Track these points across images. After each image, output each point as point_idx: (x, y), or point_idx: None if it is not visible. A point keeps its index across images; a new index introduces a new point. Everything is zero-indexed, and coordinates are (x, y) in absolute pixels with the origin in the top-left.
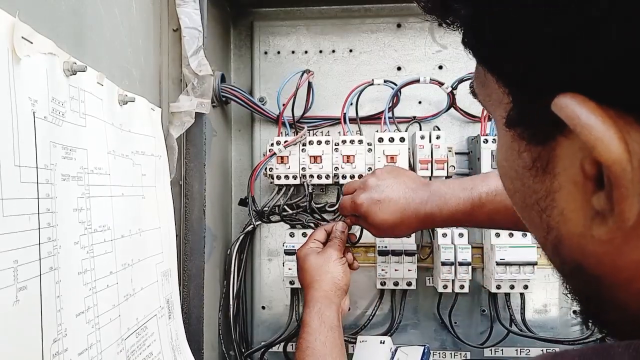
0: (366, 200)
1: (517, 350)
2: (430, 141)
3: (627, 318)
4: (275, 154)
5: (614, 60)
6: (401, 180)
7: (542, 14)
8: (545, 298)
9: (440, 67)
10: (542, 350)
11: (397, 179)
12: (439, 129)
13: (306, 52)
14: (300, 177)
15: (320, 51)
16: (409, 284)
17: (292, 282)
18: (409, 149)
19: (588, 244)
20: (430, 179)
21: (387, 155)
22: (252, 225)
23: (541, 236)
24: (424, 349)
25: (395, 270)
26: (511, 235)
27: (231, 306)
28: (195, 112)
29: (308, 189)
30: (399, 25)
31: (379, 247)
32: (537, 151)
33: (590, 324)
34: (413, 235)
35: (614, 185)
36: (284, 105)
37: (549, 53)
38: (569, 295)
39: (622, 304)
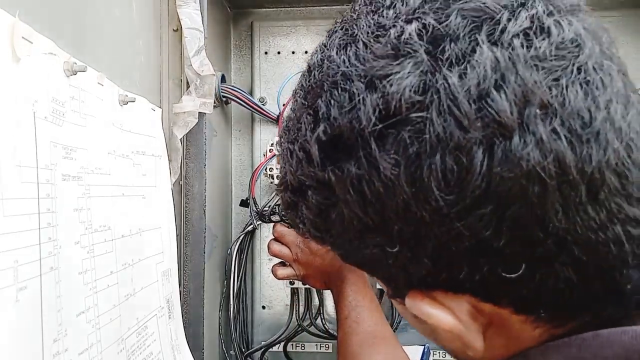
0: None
1: None
2: None
3: None
4: (275, 154)
5: (424, 271)
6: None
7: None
8: None
9: None
10: None
11: None
12: None
13: (306, 52)
14: None
15: None
16: None
17: (292, 282)
18: None
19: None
20: None
21: None
22: (252, 225)
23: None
24: (424, 349)
25: None
26: None
27: (231, 306)
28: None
29: None
30: None
31: None
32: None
33: None
34: None
35: (462, 340)
36: (284, 105)
37: (389, 273)
38: None
39: None
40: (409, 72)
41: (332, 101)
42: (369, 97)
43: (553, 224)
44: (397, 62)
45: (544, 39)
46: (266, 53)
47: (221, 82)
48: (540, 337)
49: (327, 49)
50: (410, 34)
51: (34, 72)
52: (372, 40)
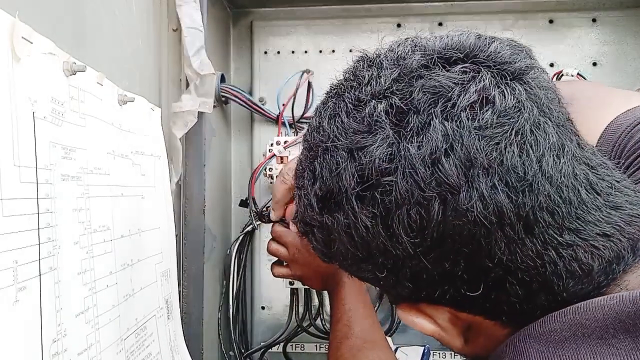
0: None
1: None
2: None
3: None
4: (275, 155)
5: (408, 288)
6: None
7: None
8: None
9: None
10: None
11: None
12: None
13: (306, 52)
14: None
15: (320, 51)
16: None
17: (291, 283)
18: None
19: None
20: None
21: None
22: (251, 226)
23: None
24: (424, 349)
25: None
26: None
27: (231, 306)
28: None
29: None
30: (398, 25)
31: None
32: None
33: None
34: None
35: (443, 341)
36: (283, 105)
37: (384, 290)
38: None
39: None
40: (378, 145)
41: (325, 164)
42: (350, 165)
43: (498, 256)
44: (370, 136)
45: (487, 110)
46: (266, 53)
47: (221, 81)
48: (510, 334)
49: (321, 117)
50: (379, 112)
51: (33, 72)
52: (352, 111)
